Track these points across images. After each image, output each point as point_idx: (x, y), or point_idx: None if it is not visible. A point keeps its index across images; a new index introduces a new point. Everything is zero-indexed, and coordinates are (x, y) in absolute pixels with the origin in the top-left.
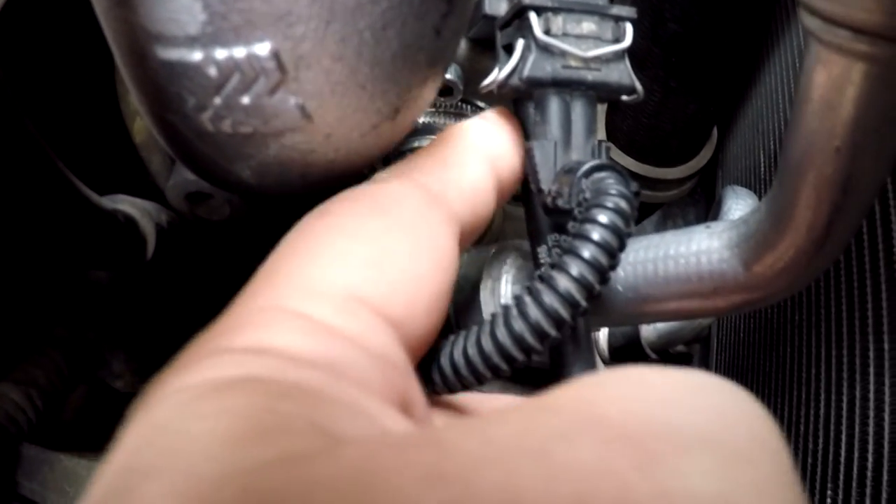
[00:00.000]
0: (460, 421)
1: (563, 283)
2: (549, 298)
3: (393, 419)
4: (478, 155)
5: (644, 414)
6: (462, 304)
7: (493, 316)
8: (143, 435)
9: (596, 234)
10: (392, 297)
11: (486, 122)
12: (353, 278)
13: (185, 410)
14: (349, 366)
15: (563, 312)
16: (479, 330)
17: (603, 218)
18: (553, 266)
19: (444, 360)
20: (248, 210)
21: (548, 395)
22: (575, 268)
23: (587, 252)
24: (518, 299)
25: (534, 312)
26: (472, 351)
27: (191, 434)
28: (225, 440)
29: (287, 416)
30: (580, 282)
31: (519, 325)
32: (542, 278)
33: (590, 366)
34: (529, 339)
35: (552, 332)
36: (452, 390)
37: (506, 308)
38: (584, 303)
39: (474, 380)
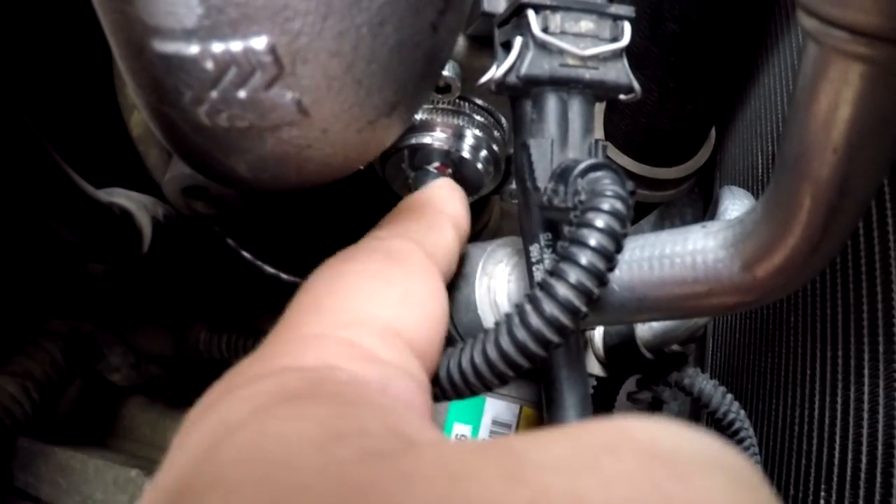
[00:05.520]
0: (518, 435)
1: (562, 290)
2: (549, 307)
3: (436, 433)
4: (448, 220)
5: (668, 440)
6: (458, 302)
7: (497, 325)
8: (216, 433)
9: (593, 240)
10: (417, 331)
11: (447, 190)
12: (389, 314)
13: (264, 414)
14: (395, 386)
15: (564, 320)
16: (484, 339)
17: (599, 222)
18: (551, 273)
19: (454, 369)
20: (245, 205)
21: (585, 422)
22: (573, 275)
23: (584, 258)
24: (519, 308)
25: (535, 321)
26: (478, 360)
27: (273, 434)
28: (309, 440)
29: (362, 420)
30: (579, 289)
31: (521, 335)
32: (541, 286)
33: (579, 364)
34: (533, 347)
35: (555, 339)
36: (460, 396)
37: (508, 317)
38: (584, 309)
39: (482, 386)
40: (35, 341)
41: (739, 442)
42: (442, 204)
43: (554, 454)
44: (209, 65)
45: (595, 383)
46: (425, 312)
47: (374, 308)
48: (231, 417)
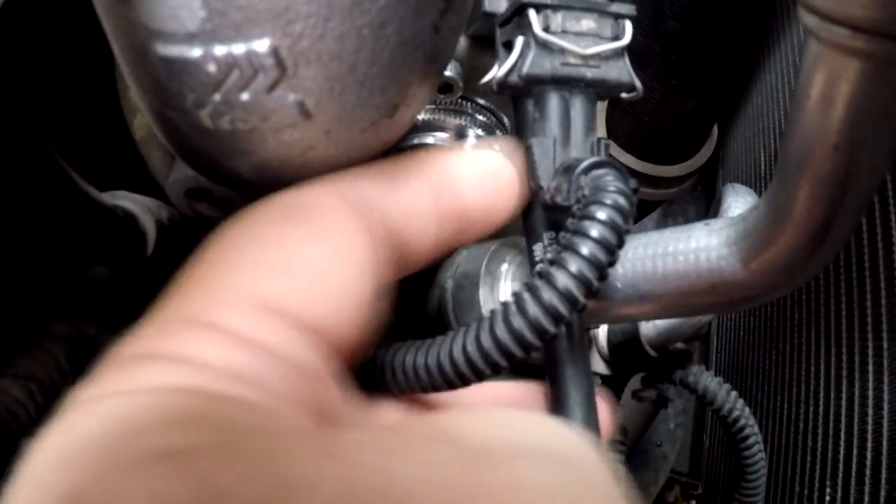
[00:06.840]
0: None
1: (562, 279)
2: (547, 295)
3: (302, 425)
4: (421, 178)
5: (492, 434)
6: (462, 301)
7: (493, 312)
8: (54, 443)
9: (594, 231)
10: (307, 304)
11: (445, 152)
12: (263, 287)
13: (91, 416)
14: (260, 375)
15: (562, 309)
16: (479, 327)
17: (601, 215)
18: (552, 262)
19: (444, 358)
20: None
21: (421, 416)
22: (574, 264)
23: (586, 248)
24: (517, 296)
25: (532, 309)
26: (471, 347)
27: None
28: (137, 431)
29: (201, 416)
30: (578, 278)
31: (518, 322)
32: (540, 275)
33: (583, 361)
34: (528, 335)
35: (551, 328)
36: (452, 387)
37: (505, 305)
38: (582, 299)
39: (474, 376)
40: (39, 344)
41: (744, 439)
42: (425, 161)
43: (376, 439)
44: (212, 68)
45: (600, 381)
46: (319, 279)
47: (243, 282)
48: (71, 425)
